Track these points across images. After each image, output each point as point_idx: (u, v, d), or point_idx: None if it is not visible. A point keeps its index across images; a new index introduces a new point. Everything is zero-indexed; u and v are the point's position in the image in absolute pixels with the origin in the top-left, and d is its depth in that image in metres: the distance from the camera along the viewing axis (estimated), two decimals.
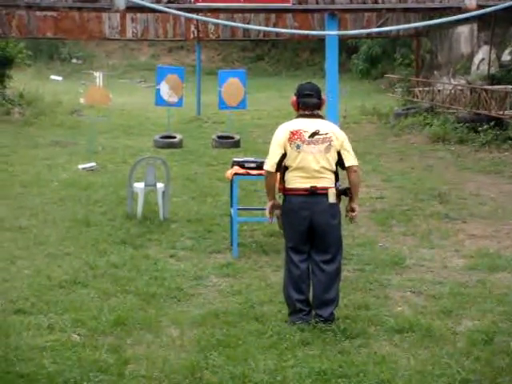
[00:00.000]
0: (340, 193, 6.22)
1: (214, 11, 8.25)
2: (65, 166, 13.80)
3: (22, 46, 21.87)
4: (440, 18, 7.89)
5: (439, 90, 20.33)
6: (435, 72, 24.12)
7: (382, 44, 29.08)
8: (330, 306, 6.15)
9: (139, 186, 9.82)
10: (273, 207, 6.37)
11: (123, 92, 27.68)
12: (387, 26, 18.44)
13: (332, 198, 6.09)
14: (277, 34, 21.14)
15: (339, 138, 6.11)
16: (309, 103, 6.11)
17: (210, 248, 8.56)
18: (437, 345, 5.75)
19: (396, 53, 27.72)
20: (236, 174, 8.37)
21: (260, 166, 8.37)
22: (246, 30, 20.43)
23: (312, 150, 6.01)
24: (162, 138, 16.82)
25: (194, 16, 8.49)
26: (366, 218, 10.18)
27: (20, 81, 22.87)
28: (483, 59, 20.39)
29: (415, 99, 21.08)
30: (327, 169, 6.06)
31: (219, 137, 17.14)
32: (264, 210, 8.87)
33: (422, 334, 5.95)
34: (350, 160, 6.17)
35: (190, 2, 7.67)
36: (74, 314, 6.24)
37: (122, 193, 10.81)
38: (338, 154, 6.10)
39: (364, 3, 7.86)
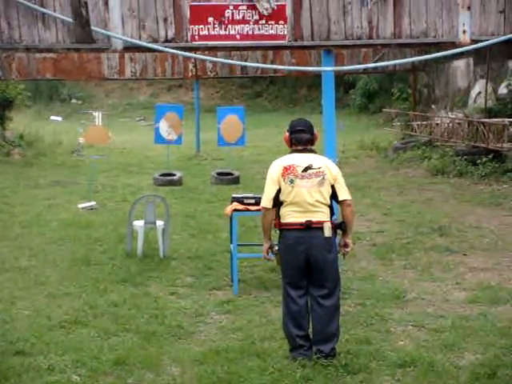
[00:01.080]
0: (336, 227, 6.21)
1: (211, 49, 8.31)
2: (65, 205, 13.82)
3: (21, 87, 22.04)
4: (436, 52, 8.00)
5: (437, 124, 20.44)
6: (433, 106, 24.24)
7: (379, 79, 29.34)
8: (331, 341, 6.10)
9: (139, 223, 9.83)
10: (269, 248, 6.39)
11: (123, 131, 27.85)
12: (383, 61, 18.60)
13: (328, 232, 6.06)
14: (274, 70, 21.29)
15: (332, 171, 6.14)
16: (301, 139, 6.16)
17: (210, 285, 8.53)
18: (439, 379, 5.70)
19: (393, 88, 27.92)
20: (235, 210, 8.38)
21: (259, 202, 8.38)
22: (243, 67, 20.60)
23: (306, 184, 6.02)
24: (161, 175, 16.87)
25: (192, 55, 8.58)
26: (367, 251, 10.17)
27: (20, 122, 23.04)
28: (480, 93, 20.51)
29: (413, 133, 21.18)
30: (322, 202, 6.07)
31: (218, 173, 17.20)
32: (262, 245, 8.88)
33: (425, 369, 5.89)
34: (344, 194, 6.19)
35: (187, 40, 7.74)
36: (74, 354, 6.20)
37: (122, 231, 10.81)
38: (332, 187, 6.12)
39: (359, 39, 7.94)
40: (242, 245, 9.47)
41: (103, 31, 7.56)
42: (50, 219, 12.43)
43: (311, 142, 6.21)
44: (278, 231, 6.29)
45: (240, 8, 7.76)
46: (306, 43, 7.91)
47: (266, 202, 6.19)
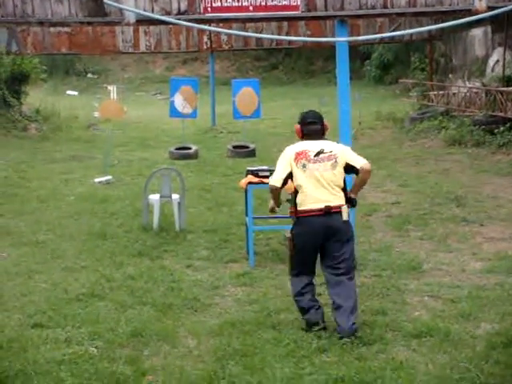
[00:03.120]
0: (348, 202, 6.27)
1: (224, 21, 8.24)
2: (81, 179, 13.87)
3: (36, 61, 22.04)
4: (452, 20, 7.88)
5: (454, 94, 20.25)
6: (450, 75, 23.99)
7: (395, 49, 29.05)
8: (352, 315, 6.02)
9: (155, 197, 9.85)
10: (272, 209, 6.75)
11: (139, 105, 27.84)
12: (400, 30, 18.41)
13: (346, 216, 6.15)
14: (289, 42, 21.15)
15: (344, 152, 6.23)
16: (312, 130, 6.27)
17: (226, 258, 8.56)
18: (455, 349, 5.70)
19: (410, 57, 27.66)
20: (250, 182, 8.37)
21: None
22: (258, 39, 20.47)
23: (318, 167, 6.10)
24: (177, 149, 16.86)
25: (206, 27, 8.52)
26: (383, 223, 10.15)
27: (36, 96, 23.06)
28: (498, 61, 20.25)
29: (430, 103, 21.00)
30: (336, 185, 6.14)
31: (234, 146, 17.17)
32: (279, 217, 8.97)
33: (441, 339, 5.90)
34: (360, 160, 6.23)
35: (200, 12, 7.68)
36: (91, 326, 6.25)
37: (138, 205, 10.84)
38: (346, 166, 6.17)
39: (373, 8, 7.84)
40: (258, 217, 9.47)
41: (115, 4, 7.49)
42: (67, 193, 12.48)
43: (322, 132, 6.31)
44: (294, 219, 6.28)
45: None
46: (319, 13, 7.81)
47: (277, 181, 6.25)
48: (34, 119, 21.18)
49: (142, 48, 20.74)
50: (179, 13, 7.68)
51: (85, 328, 6.23)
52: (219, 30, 11.02)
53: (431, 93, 21.39)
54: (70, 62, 36.61)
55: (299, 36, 19.81)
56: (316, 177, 6.10)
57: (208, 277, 7.82)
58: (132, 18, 7.62)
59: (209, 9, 7.69)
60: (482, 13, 7.56)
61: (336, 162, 6.12)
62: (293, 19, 9.76)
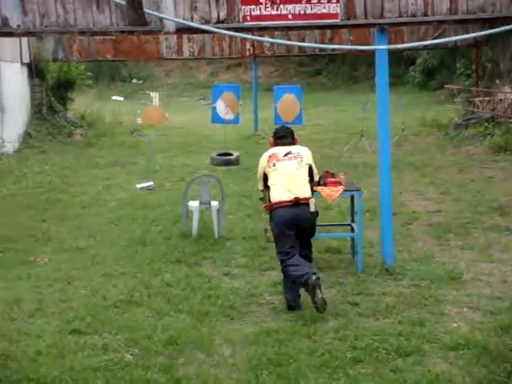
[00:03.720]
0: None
1: (263, 30, 8.25)
2: (123, 185, 14.01)
3: (82, 68, 22.37)
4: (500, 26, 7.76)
5: (500, 100, 19.94)
6: (497, 81, 23.65)
7: (440, 55, 28.75)
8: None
9: (194, 204, 9.90)
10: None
11: (182, 110, 28.04)
12: (444, 37, 18.22)
13: (313, 207, 7.08)
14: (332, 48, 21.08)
15: (308, 154, 7.29)
16: (283, 144, 7.31)
17: (264, 265, 8.55)
18: (493, 362, 5.60)
19: (455, 63, 27.34)
20: None
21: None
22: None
23: (287, 163, 7.10)
24: (218, 155, 16.92)
25: (246, 35, 8.53)
26: (423, 232, 10.04)
27: (82, 102, 23.39)
28: None
29: (475, 109, 20.72)
30: (303, 179, 7.11)
31: None
32: (317, 225, 8.99)
33: (479, 351, 5.81)
34: (316, 175, 7.52)
35: (239, 21, 7.70)
36: (128, 333, 6.31)
37: (178, 211, 10.90)
38: (309, 168, 7.24)
39: (414, 16, 7.77)
40: None
41: (156, 13, 7.58)
42: (109, 199, 12.62)
43: (292, 143, 7.36)
44: (269, 213, 7.18)
45: None
46: (358, 21, 7.77)
47: (259, 185, 7.46)
48: (79, 125, 21.48)
49: (186, 54, 20.94)
50: (218, 21, 7.72)
51: (122, 335, 6.29)
52: (261, 38, 11.06)
53: (476, 99, 21.11)
54: (116, 67, 37.07)
55: (342, 42, 19.79)
56: (285, 172, 7.06)
57: (245, 284, 7.82)
58: (172, 27, 7.68)
59: (248, 17, 7.71)
60: None
61: (302, 160, 7.16)
62: (332, 27, 9.72)
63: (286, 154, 7.14)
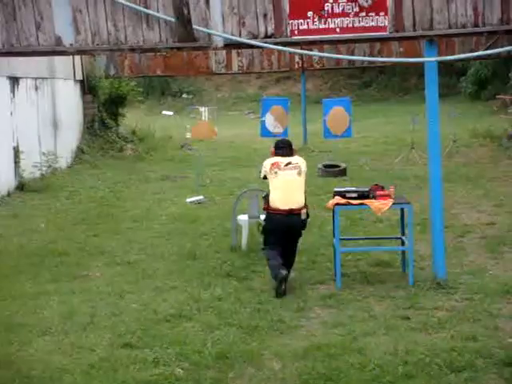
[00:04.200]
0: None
1: (311, 44, 8.26)
2: (173, 199, 14.13)
3: (133, 84, 22.68)
4: None
5: None
6: None
7: (493, 64, 28.35)
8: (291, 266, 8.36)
9: (243, 218, 9.94)
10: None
11: (232, 124, 28.16)
12: (497, 46, 17.96)
13: (304, 217, 8.17)
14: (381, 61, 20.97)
15: (305, 164, 8.33)
16: (283, 154, 8.30)
17: (313, 279, 8.54)
18: None
19: (508, 73, 26.92)
20: (337, 204, 8.33)
21: (361, 196, 8.33)
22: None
23: (287, 172, 8.17)
24: None
25: (296, 50, 8.57)
26: (476, 244, 9.89)
27: (133, 118, 23.69)
28: None
29: None
30: (300, 187, 8.19)
31: (325, 165, 17.11)
32: (368, 239, 8.97)
33: None
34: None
35: (287, 35, 7.72)
36: (179, 347, 6.35)
37: (227, 225, 10.94)
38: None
39: (464, 27, 7.68)
40: (345, 239, 9.42)
41: (204, 29, 7.65)
42: (159, 213, 12.74)
43: (291, 154, 8.35)
44: (266, 213, 8.33)
45: (340, 1, 7.64)
46: (407, 34, 7.71)
47: (262, 176, 8.60)
48: (130, 140, 21.76)
49: (235, 69, 21.04)
50: (266, 36, 7.74)
51: (172, 349, 6.34)
52: (308, 52, 11.10)
53: None
54: (166, 82, 37.43)
55: (391, 53, 19.67)
56: (285, 181, 8.13)
57: (295, 298, 7.81)
58: (220, 43, 7.74)
59: (296, 31, 7.72)
60: None
61: (300, 170, 8.22)
62: (380, 40, 9.67)
63: (286, 164, 8.20)
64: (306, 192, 8.37)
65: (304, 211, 8.16)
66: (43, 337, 6.79)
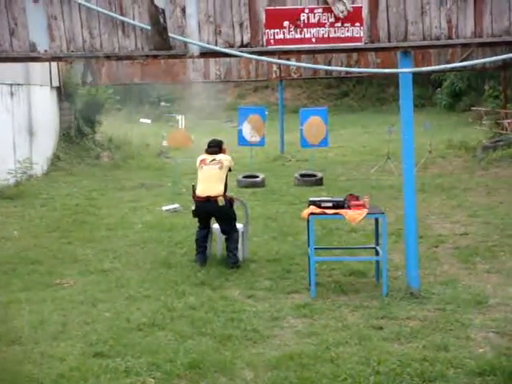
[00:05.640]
0: (229, 200, 9.67)
1: (287, 53, 8.27)
2: (149, 207, 14.09)
3: (110, 91, 22.61)
4: None
5: None
6: None
7: (468, 77, 28.63)
8: (234, 255, 9.50)
9: (218, 226, 9.90)
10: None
11: (209, 133, 28.08)
12: (472, 59, 18.13)
13: (221, 203, 9.47)
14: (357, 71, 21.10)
15: (228, 161, 9.76)
16: (211, 152, 9.82)
17: (288, 288, 8.52)
18: None
19: (484, 85, 27.21)
20: (312, 213, 8.34)
21: (336, 205, 8.35)
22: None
23: (210, 167, 9.63)
24: (244, 177, 16.96)
25: (272, 59, 8.56)
26: (449, 255, 9.95)
27: (110, 125, 23.61)
28: None
29: (504, 131, 20.58)
30: (219, 179, 9.56)
31: (302, 175, 17.16)
32: (343, 248, 8.99)
33: (505, 378, 5.73)
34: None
35: (263, 45, 7.74)
36: (151, 357, 6.31)
37: None
38: (228, 170, 9.78)
39: (438, 39, 7.74)
40: (321, 248, 9.45)
41: (180, 38, 7.65)
42: (135, 221, 12.69)
43: (219, 153, 9.83)
44: (193, 201, 9.72)
45: (315, 11, 7.69)
46: (382, 45, 7.76)
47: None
48: (107, 147, 21.69)
49: (212, 77, 21.04)
50: (242, 45, 7.75)
51: (144, 358, 6.29)
52: (285, 62, 11.08)
53: (505, 121, 20.99)
54: (144, 90, 37.34)
55: (368, 64, 19.76)
56: (207, 174, 9.59)
57: (269, 307, 7.80)
58: (196, 51, 7.74)
59: (271, 41, 7.74)
60: None
61: (222, 165, 9.64)
62: (356, 51, 9.72)
63: (211, 161, 9.69)
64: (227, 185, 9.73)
65: (221, 198, 9.47)
66: (12, 346, 6.70)
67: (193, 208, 9.81)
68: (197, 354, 6.36)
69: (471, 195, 14.77)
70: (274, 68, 21.10)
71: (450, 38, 7.72)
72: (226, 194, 9.67)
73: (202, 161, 9.78)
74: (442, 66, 11.67)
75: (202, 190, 9.57)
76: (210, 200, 9.49)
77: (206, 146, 10.01)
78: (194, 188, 9.78)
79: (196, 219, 9.86)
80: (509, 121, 20.80)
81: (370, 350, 6.40)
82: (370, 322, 7.22)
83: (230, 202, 9.65)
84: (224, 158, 9.78)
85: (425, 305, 7.71)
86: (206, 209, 9.57)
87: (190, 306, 7.77)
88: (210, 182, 9.56)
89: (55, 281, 8.95)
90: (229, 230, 9.65)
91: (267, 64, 20.70)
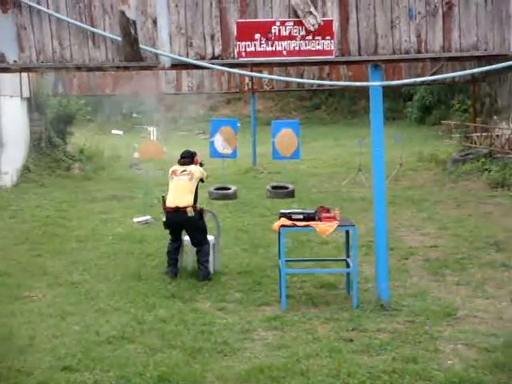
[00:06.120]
0: (199, 211, 9.69)
1: (258, 65, 8.31)
2: (120, 219, 14.00)
3: (82, 102, 22.50)
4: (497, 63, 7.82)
5: (498, 136, 20.03)
6: (494, 117, 23.77)
7: (438, 91, 28.94)
8: (205, 268, 9.49)
9: (188, 238, 9.86)
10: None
11: (181, 144, 28.03)
12: (442, 73, 18.33)
13: (190, 214, 9.49)
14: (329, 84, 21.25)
15: (198, 172, 9.81)
16: (183, 162, 9.90)
17: (258, 300, 8.51)
18: None
19: (453, 99, 27.51)
20: (283, 225, 8.35)
21: (307, 218, 8.36)
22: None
23: (181, 178, 9.68)
24: (216, 189, 16.94)
25: (245, 72, 8.59)
26: (419, 267, 10.01)
27: (82, 136, 23.47)
28: None
29: (473, 145, 20.80)
30: (189, 191, 9.59)
31: (273, 187, 17.19)
32: (314, 260, 9.00)
33: None
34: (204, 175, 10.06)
35: (234, 57, 7.76)
36: (119, 370, 6.25)
37: None
38: (201, 180, 9.86)
39: (407, 53, 7.83)
40: (292, 260, 9.46)
41: (151, 49, 7.65)
42: (106, 233, 12.60)
43: (191, 164, 9.89)
44: (163, 211, 9.80)
45: (287, 24, 7.74)
46: (353, 58, 7.83)
47: None
48: (78, 159, 21.54)
49: (185, 89, 21.09)
50: (214, 57, 7.78)
51: (113, 372, 6.23)
52: (256, 74, 11.14)
53: (474, 134, 21.21)
54: (116, 102, 37.20)
55: (340, 77, 19.91)
56: (177, 185, 9.64)
57: (239, 320, 7.78)
58: (167, 63, 7.74)
59: (243, 53, 7.77)
60: None
61: (192, 176, 9.69)
62: (326, 64, 9.79)
63: (182, 172, 9.74)
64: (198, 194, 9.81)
65: (190, 209, 9.49)
66: None
67: (163, 219, 9.81)
68: (166, 367, 6.32)
69: (441, 208, 14.89)
70: (247, 80, 21.18)
71: (419, 51, 7.81)
72: (196, 205, 9.67)
73: (173, 172, 9.82)
74: (412, 80, 11.77)
75: (172, 201, 9.59)
76: (179, 211, 9.50)
77: (178, 157, 10.06)
78: (164, 199, 9.81)
79: (167, 231, 9.82)
80: (478, 134, 21.02)
81: (340, 362, 6.40)
82: (340, 334, 7.23)
83: (199, 213, 9.66)
84: (195, 169, 9.81)
85: (395, 317, 7.74)
86: (175, 219, 9.57)
87: (161, 319, 7.72)
88: (180, 192, 9.58)
89: (24, 293, 8.85)
90: (199, 241, 9.62)
91: (239, 76, 20.77)
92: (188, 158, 9.96)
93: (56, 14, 7.53)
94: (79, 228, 13.13)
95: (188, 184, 9.63)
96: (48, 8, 7.53)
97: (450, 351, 6.74)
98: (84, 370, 6.29)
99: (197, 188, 9.76)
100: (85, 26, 7.62)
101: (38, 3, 7.52)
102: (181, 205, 9.50)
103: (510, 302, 8.27)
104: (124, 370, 6.24)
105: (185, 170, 9.75)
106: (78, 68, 7.90)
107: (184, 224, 9.59)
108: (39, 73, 17.60)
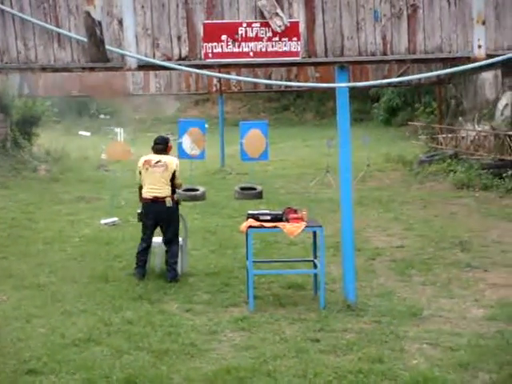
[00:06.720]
0: (176, 201, 9.66)
1: (224, 67, 8.32)
2: (87, 221, 13.91)
3: (48, 103, 22.31)
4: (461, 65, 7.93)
5: (463, 137, 20.26)
6: (460, 118, 24.05)
7: (404, 92, 29.18)
8: (173, 270, 9.40)
9: (157, 240, 9.84)
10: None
11: (149, 146, 27.94)
12: (408, 74, 18.49)
13: (169, 204, 9.46)
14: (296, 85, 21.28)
15: (173, 163, 9.59)
16: (157, 149, 9.68)
17: (226, 302, 8.51)
18: None
19: (419, 100, 27.76)
20: (250, 226, 8.36)
21: (274, 219, 8.39)
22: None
23: (156, 170, 9.45)
24: (184, 190, 16.86)
25: (213, 73, 8.58)
26: (386, 267, 10.09)
27: (49, 137, 23.27)
28: (507, 105, 20.31)
29: (439, 146, 21.02)
30: (164, 183, 9.45)
31: (242, 188, 17.20)
32: (281, 261, 9.05)
33: None
34: (178, 179, 9.75)
35: (201, 58, 7.76)
36: (85, 373, 6.21)
37: None
38: (174, 173, 9.54)
39: (373, 55, 7.88)
40: (259, 261, 9.47)
41: (117, 50, 7.60)
42: (73, 235, 12.51)
43: (165, 150, 9.70)
44: (140, 203, 9.68)
45: (253, 25, 7.75)
46: (319, 59, 7.86)
47: (139, 184, 9.76)
48: (44, 160, 21.35)
49: (152, 90, 21.01)
50: (180, 58, 7.76)
51: (79, 375, 6.19)
52: (223, 75, 11.13)
53: (440, 136, 21.43)
54: (83, 103, 36.93)
55: (307, 78, 19.96)
56: (153, 176, 9.42)
57: (207, 321, 7.77)
58: (134, 64, 7.71)
59: (210, 54, 7.77)
60: (480, 61, 7.60)
61: (167, 168, 9.46)
62: (293, 65, 9.84)
63: (156, 162, 9.50)
64: (179, 185, 9.85)
65: (168, 199, 9.44)
66: None
67: (138, 211, 9.70)
68: (133, 369, 6.30)
69: (408, 208, 15.03)
70: (215, 81, 21.14)
71: (384, 53, 7.87)
72: (174, 195, 9.61)
73: (147, 161, 9.57)
74: (378, 82, 11.89)
75: (149, 192, 9.44)
76: (157, 201, 9.41)
77: (152, 144, 9.85)
78: (140, 191, 9.66)
79: (135, 232, 9.78)
80: (444, 136, 21.24)
81: (307, 362, 6.44)
82: (307, 334, 7.26)
83: (176, 203, 9.62)
84: (169, 161, 9.59)
85: (361, 317, 7.79)
86: (153, 209, 9.43)
87: (128, 321, 7.68)
88: (156, 183, 9.42)
89: None
90: (172, 236, 9.51)
91: (207, 77, 20.71)
92: (162, 145, 9.70)
93: (20, 15, 7.46)
94: (46, 230, 13.02)
95: (163, 175, 9.43)
96: (12, 8, 7.46)
97: (415, 351, 6.81)
98: (49, 373, 6.24)
99: (173, 178, 9.57)
100: (50, 26, 7.55)
101: (1, 3, 7.44)
102: (159, 195, 9.40)
103: (475, 301, 8.37)
104: (90, 373, 6.20)
105: (159, 161, 9.50)
106: (44, 69, 7.84)
107: (162, 215, 9.45)
108: (3, 73, 17.39)
